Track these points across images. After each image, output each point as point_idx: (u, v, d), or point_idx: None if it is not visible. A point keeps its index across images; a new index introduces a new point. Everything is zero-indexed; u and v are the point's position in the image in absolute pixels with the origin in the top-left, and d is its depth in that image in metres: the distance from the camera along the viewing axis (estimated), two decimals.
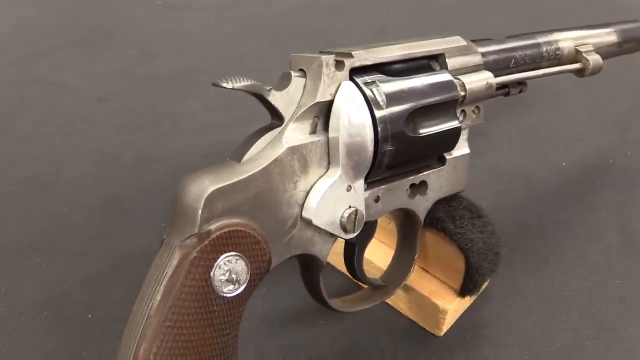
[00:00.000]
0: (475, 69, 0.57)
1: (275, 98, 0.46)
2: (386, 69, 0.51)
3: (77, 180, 0.84)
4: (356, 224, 0.49)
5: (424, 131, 0.51)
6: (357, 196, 0.49)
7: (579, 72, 0.69)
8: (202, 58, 1.18)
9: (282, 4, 1.41)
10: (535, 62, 0.64)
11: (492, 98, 0.63)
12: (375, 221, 0.55)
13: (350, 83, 0.47)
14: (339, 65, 0.47)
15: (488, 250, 0.58)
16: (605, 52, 0.73)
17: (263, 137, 0.47)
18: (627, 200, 0.83)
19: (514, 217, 0.79)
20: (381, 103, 0.48)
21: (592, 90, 1.08)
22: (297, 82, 0.47)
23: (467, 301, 0.64)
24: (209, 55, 1.19)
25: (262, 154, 0.45)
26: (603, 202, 0.82)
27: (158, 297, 0.42)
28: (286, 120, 0.46)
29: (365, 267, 0.66)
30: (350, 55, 0.48)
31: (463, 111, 0.56)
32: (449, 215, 0.58)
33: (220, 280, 0.43)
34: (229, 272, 0.44)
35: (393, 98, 0.49)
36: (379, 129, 0.47)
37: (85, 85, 1.07)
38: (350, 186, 0.48)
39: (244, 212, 0.44)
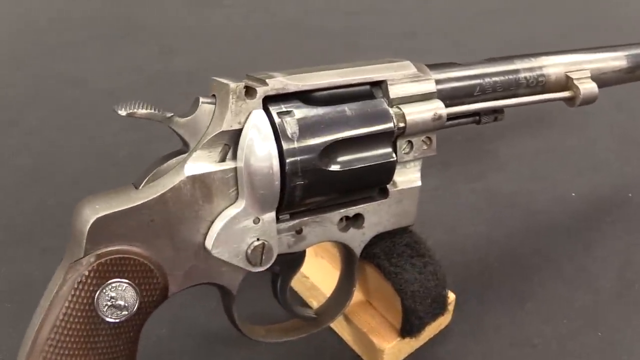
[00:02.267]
0: (425, 97, 0.53)
1: (179, 125, 0.46)
2: (313, 96, 0.49)
3: (69, 177, 0.87)
4: (263, 257, 0.48)
5: (347, 165, 0.48)
6: (267, 229, 0.47)
7: (569, 101, 0.63)
8: (221, 57, 1.19)
9: (314, 4, 1.39)
10: (509, 89, 0.59)
11: (474, 124, 0.59)
12: (303, 252, 0.54)
13: (261, 112, 0.46)
14: (251, 92, 0.46)
15: (426, 293, 0.55)
16: (610, 78, 0.66)
17: (168, 163, 0.46)
18: (635, 243, 0.75)
19: (500, 249, 0.75)
20: (291, 135, 0.46)
21: (628, 110, 0.99)
22: (204, 108, 0.46)
23: (416, 341, 0.60)
24: (227, 55, 1.20)
25: (160, 182, 0.45)
26: (606, 242, 0.75)
27: (45, 315, 0.44)
28: (191, 148, 0.46)
29: (312, 294, 0.65)
30: (264, 83, 0.46)
31: (409, 142, 0.53)
32: (386, 252, 0.55)
33: (105, 305, 0.44)
34: (115, 298, 0.44)
35: (308, 130, 0.47)
36: (286, 162, 0.46)
37: (99, 80, 1.12)
38: (258, 218, 0.47)
39: (136, 239, 0.44)
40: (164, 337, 0.63)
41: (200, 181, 0.46)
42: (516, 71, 0.60)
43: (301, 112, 0.48)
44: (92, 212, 0.43)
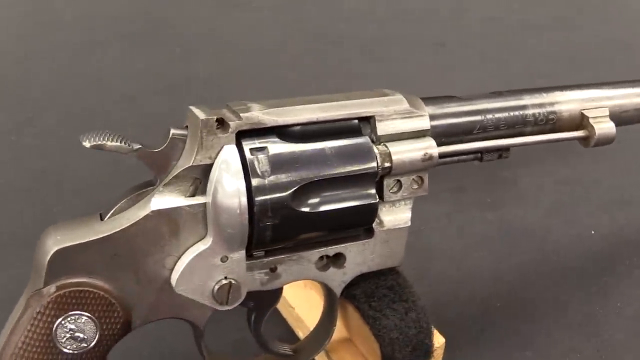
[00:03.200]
0: (416, 135, 0.50)
1: (147, 157, 0.45)
2: (291, 132, 0.47)
3: (80, 182, 0.88)
4: (230, 297, 0.46)
5: (323, 206, 0.46)
6: (235, 268, 0.46)
7: (583, 141, 0.58)
8: (241, 64, 1.18)
9: (344, 11, 1.36)
10: (514, 127, 0.55)
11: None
12: (279, 289, 0.52)
13: (232, 148, 0.44)
14: (224, 126, 0.44)
15: (406, 341, 0.52)
16: (633, 117, 0.61)
17: (137, 194, 0.46)
18: None
19: (505, 287, 0.71)
20: (261, 172, 0.44)
21: None
22: (175, 141, 0.45)
23: None
24: (248, 62, 1.19)
25: (126, 215, 0.45)
26: (622, 289, 0.70)
27: (6, 341, 0.44)
28: (158, 182, 0.45)
29: (298, 325, 0.64)
30: (238, 117, 0.45)
31: (398, 181, 0.51)
32: (367, 294, 0.53)
33: (64, 337, 0.44)
34: (74, 330, 0.44)
35: (281, 168, 0.45)
36: (254, 200, 0.44)
37: (119, 83, 1.13)
38: (226, 256, 0.46)
39: (98, 272, 0.44)
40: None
41: (166, 216, 0.45)
42: (523, 107, 0.56)
43: (276, 148, 0.46)
44: (53, 243, 0.43)
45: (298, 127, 0.47)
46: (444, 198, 0.84)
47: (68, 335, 0.44)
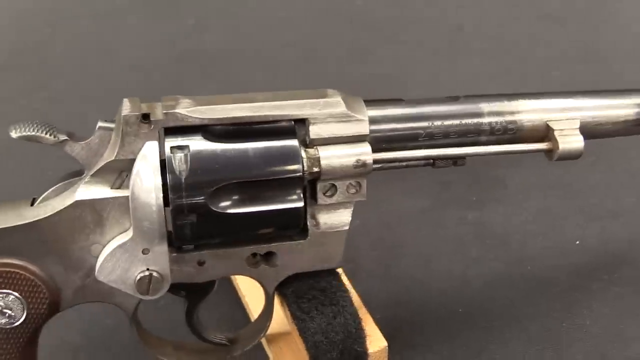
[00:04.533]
0: (352, 139, 0.49)
1: (73, 149, 0.47)
2: (217, 131, 0.47)
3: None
4: (151, 287, 0.48)
5: (244, 208, 0.47)
6: (157, 260, 0.48)
7: (547, 154, 0.55)
8: (254, 40, 1.18)
9: None
10: (466, 136, 0.53)
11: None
12: (212, 282, 0.53)
13: (153, 144, 0.46)
14: (147, 123, 0.45)
15: (330, 346, 0.52)
16: (609, 130, 0.57)
17: (66, 182, 0.48)
18: (627, 312, 0.66)
19: (471, 294, 0.70)
20: (179, 171, 0.45)
21: None
22: (100, 134, 0.47)
23: None
24: (263, 38, 1.18)
25: (52, 203, 0.47)
26: (595, 306, 0.67)
27: None
28: (85, 173, 0.47)
29: (249, 312, 0.65)
30: (164, 114, 0.45)
31: (333, 185, 0.50)
32: (297, 295, 0.53)
33: None
34: (2, 307, 0.47)
35: (199, 168, 0.46)
36: (170, 199, 0.45)
37: (130, 53, 1.15)
38: (147, 249, 0.47)
39: (25, 255, 0.47)
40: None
41: (90, 206, 0.47)
42: (478, 114, 0.54)
43: (197, 148, 0.47)
44: None
45: (223, 127, 0.47)
46: (426, 192, 0.82)
47: None
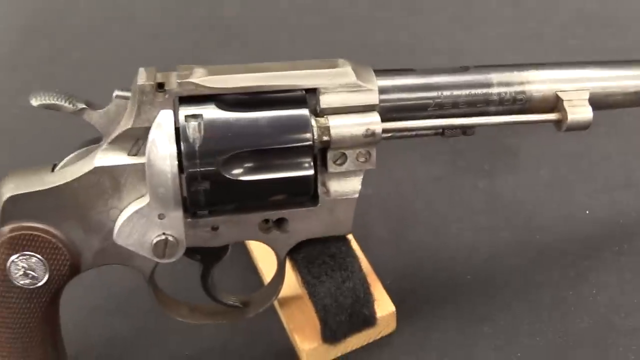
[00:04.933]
0: (362, 109, 0.50)
1: (92, 117, 0.48)
2: (230, 99, 0.48)
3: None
4: (167, 251, 0.50)
5: (257, 175, 0.49)
6: (173, 225, 0.50)
7: (556, 124, 0.56)
8: (272, 7, 1.15)
9: None
10: (475, 106, 0.54)
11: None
12: (226, 246, 0.55)
13: (168, 113, 0.47)
14: (162, 92, 0.46)
15: (339, 309, 0.55)
16: (619, 101, 0.57)
17: (85, 149, 0.50)
18: (634, 282, 0.66)
19: (479, 261, 0.70)
20: (192, 139, 0.47)
21: None
22: (117, 102, 0.48)
23: (338, 349, 0.60)
24: (280, 5, 1.16)
25: (72, 169, 0.49)
26: (603, 275, 0.67)
27: None
28: (103, 140, 0.48)
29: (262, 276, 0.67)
30: (178, 83, 0.47)
31: (343, 154, 0.51)
32: (308, 260, 0.55)
33: (17, 273, 0.50)
34: (25, 268, 0.50)
35: (212, 136, 0.47)
36: (184, 166, 0.47)
37: (147, 20, 1.13)
38: (162, 214, 0.49)
39: (47, 218, 0.49)
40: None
41: (108, 173, 0.49)
42: (487, 84, 0.54)
43: (210, 116, 0.48)
44: (7, 190, 0.49)
45: (236, 96, 0.49)
46: (439, 160, 0.82)
47: (21, 272, 0.50)
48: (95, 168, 0.48)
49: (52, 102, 0.47)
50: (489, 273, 0.70)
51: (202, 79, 0.48)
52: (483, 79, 0.54)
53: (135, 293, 0.68)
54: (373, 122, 0.50)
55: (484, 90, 0.54)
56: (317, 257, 0.56)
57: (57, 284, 0.51)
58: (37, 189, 0.48)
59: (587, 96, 0.55)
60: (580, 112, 0.55)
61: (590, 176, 0.79)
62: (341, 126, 0.50)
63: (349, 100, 0.50)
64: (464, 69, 0.55)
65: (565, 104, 0.54)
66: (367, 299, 0.56)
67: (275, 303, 0.64)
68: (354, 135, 0.50)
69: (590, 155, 0.82)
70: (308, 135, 0.49)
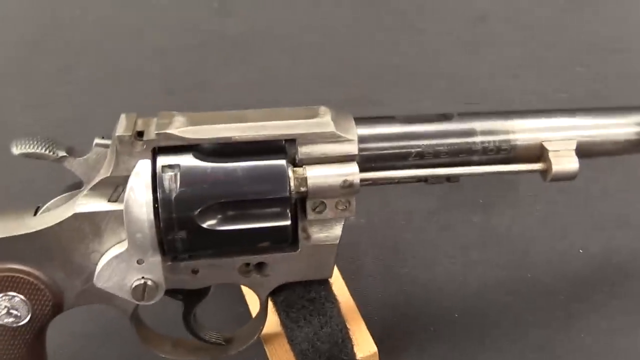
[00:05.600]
0: (341, 159, 0.50)
1: (72, 165, 0.50)
2: (208, 150, 0.49)
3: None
4: (146, 295, 0.51)
5: (234, 225, 0.49)
6: (152, 269, 0.50)
7: (542, 174, 0.55)
8: (276, 24, 1.17)
9: None
10: (458, 155, 0.53)
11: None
12: (207, 287, 0.56)
13: (146, 163, 0.48)
14: (141, 142, 0.47)
15: (316, 355, 0.55)
16: (609, 150, 0.56)
17: (69, 194, 0.51)
18: (625, 326, 0.66)
19: (468, 299, 0.71)
20: (169, 189, 0.47)
21: None
22: (97, 151, 0.49)
23: None
24: (284, 22, 1.18)
25: (53, 213, 0.50)
26: (592, 318, 0.67)
27: None
28: (84, 186, 0.49)
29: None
30: (157, 133, 0.47)
31: (322, 202, 0.51)
32: (288, 303, 0.55)
33: (0, 312, 0.51)
34: (9, 307, 0.51)
35: (189, 187, 0.48)
36: (160, 215, 0.48)
37: (154, 35, 1.16)
38: (141, 259, 0.50)
39: (29, 261, 0.50)
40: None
41: (89, 218, 0.49)
42: (471, 133, 0.54)
43: (187, 167, 0.48)
44: None
45: (214, 146, 0.49)
46: (434, 192, 0.82)
47: (4, 311, 0.51)
48: (76, 214, 0.49)
49: (33, 150, 0.48)
50: (478, 310, 0.70)
51: (181, 129, 0.48)
52: (466, 128, 0.53)
53: (125, 321, 0.71)
54: (351, 173, 0.50)
55: (467, 140, 0.53)
56: (297, 301, 0.56)
57: (39, 322, 0.53)
58: (20, 233, 0.49)
59: (574, 146, 0.54)
60: (566, 162, 0.54)
61: (587, 213, 0.79)
62: (319, 177, 0.49)
63: (327, 151, 0.50)
64: (447, 117, 0.54)
65: (551, 154, 0.54)
66: (345, 344, 0.56)
67: (262, 337, 0.65)
68: (331, 186, 0.50)
69: (588, 191, 0.82)
70: (285, 186, 0.49)
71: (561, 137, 0.55)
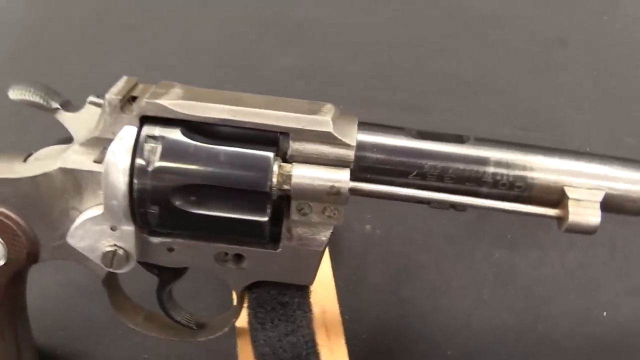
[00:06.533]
0: (335, 163, 0.47)
1: (64, 119, 0.49)
2: (198, 127, 0.47)
3: None
4: (115, 262, 0.50)
5: (208, 211, 0.47)
6: (124, 239, 0.50)
7: (557, 221, 0.49)
8: (345, 18, 1.12)
9: None
10: (464, 184, 0.48)
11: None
12: (184, 268, 0.54)
13: (131, 129, 0.47)
14: (125, 108, 0.47)
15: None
16: None
17: (58, 147, 0.51)
18: None
19: (467, 340, 0.66)
20: (147, 161, 0.46)
21: None
22: (89, 109, 0.49)
23: None
24: (357, 17, 1.11)
25: (40, 164, 0.50)
26: None
27: None
28: (73, 142, 0.49)
29: None
30: (142, 102, 0.47)
31: (308, 204, 0.48)
32: (259, 302, 0.53)
33: None
34: None
35: (168, 162, 0.46)
36: (134, 186, 0.47)
37: (217, 22, 1.12)
38: (115, 226, 0.49)
39: (10, 204, 0.51)
40: None
41: (71, 175, 0.49)
42: (483, 162, 0.48)
43: (171, 140, 0.47)
44: None
45: (203, 126, 0.47)
46: (458, 217, 0.76)
47: None
48: (60, 168, 0.49)
49: (27, 98, 0.49)
50: (474, 354, 0.66)
51: (172, 102, 0.47)
52: (479, 155, 0.48)
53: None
54: (341, 179, 0.47)
55: (477, 168, 0.48)
56: (268, 302, 0.53)
57: (14, 268, 0.53)
58: (5, 177, 0.50)
59: (600, 197, 0.48)
60: (586, 214, 0.48)
61: (622, 273, 0.72)
62: (305, 177, 0.47)
63: (320, 152, 0.47)
64: (461, 140, 0.49)
65: (571, 202, 0.48)
66: (308, 359, 0.54)
67: (237, 330, 0.63)
68: (316, 190, 0.47)
69: (628, 248, 0.74)
70: (265, 181, 0.46)
71: (588, 184, 0.49)
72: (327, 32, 1.14)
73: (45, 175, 0.49)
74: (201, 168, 0.47)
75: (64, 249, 0.53)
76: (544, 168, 0.49)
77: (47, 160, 0.50)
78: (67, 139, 0.52)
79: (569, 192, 0.48)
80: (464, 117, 0.92)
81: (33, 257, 0.54)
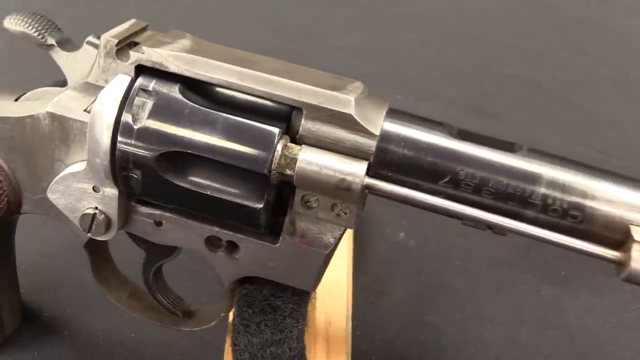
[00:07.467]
0: (352, 152, 0.39)
1: (59, 57, 0.45)
2: (200, 87, 0.41)
3: None
4: (94, 227, 0.45)
5: (196, 186, 0.41)
6: (107, 202, 0.44)
7: (616, 266, 0.39)
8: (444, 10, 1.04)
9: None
10: (506, 202, 0.39)
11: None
12: (175, 248, 0.49)
13: (124, 78, 0.41)
14: (123, 54, 0.41)
15: None
16: None
17: (52, 89, 0.46)
18: None
19: None
20: (135, 118, 0.40)
21: None
22: (87, 50, 0.44)
23: None
24: (440, 27, 1.04)
25: (29, 105, 0.46)
26: None
27: None
28: (68, 85, 0.44)
29: None
30: (141, 50, 0.41)
31: (317, 198, 0.41)
32: (247, 300, 0.46)
33: None
34: None
35: (157, 122, 0.40)
36: (117, 145, 0.41)
37: None
38: (97, 187, 0.44)
39: None
40: None
41: (59, 122, 0.44)
42: (534, 178, 0.39)
43: (165, 97, 0.41)
44: None
45: (205, 86, 0.41)
46: (510, 243, 0.67)
47: None
48: (48, 112, 0.44)
49: (22, 29, 0.44)
50: None
51: (172, 53, 0.41)
52: (530, 170, 0.39)
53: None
54: (354, 173, 0.39)
55: (525, 186, 0.39)
56: (257, 302, 0.46)
57: None
58: None
59: None
60: None
61: None
62: (312, 164, 0.39)
63: (336, 136, 0.40)
64: (511, 148, 0.40)
65: (636, 246, 0.38)
66: None
67: (230, 325, 0.57)
68: (323, 181, 0.40)
69: None
70: (266, 161, 0.39)
71: None
72: (398, 13, 1.06)
73: (32, 117, 0.45)
74: (193, 134, 0.40)
75: (47, 204, 0.48)
76: (609, 199, 0.39)
77: (37, 103, 0.46)
78: (65, 81, 0.49)
79: (636, 233, 0.39)
80: (534, 129, 0.82)
81: (15, 207, 0.49)
